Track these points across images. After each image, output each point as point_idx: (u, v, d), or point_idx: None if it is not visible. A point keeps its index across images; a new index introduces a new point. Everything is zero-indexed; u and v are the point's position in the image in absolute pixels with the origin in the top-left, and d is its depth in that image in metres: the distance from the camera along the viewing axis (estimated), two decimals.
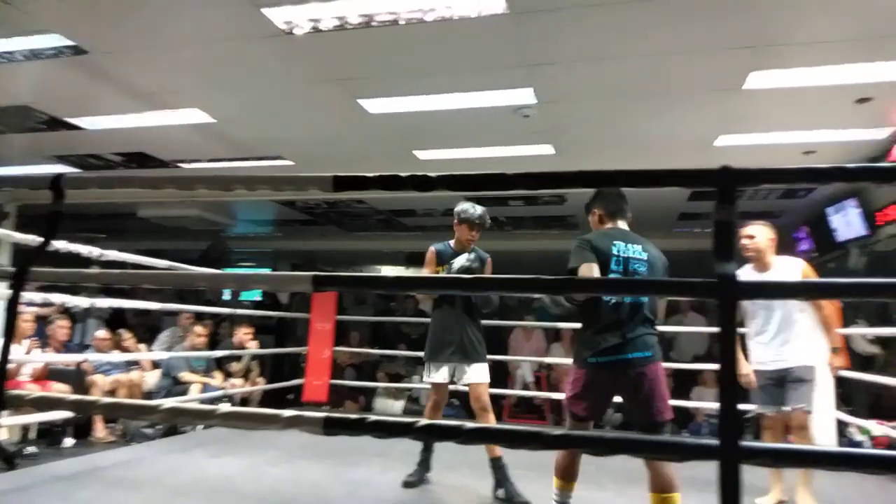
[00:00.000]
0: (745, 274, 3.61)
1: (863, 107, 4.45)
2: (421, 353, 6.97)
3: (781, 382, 3.45)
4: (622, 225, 2.68)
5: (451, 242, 3.69)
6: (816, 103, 4.47)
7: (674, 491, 2.41)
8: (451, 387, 3.66)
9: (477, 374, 3.51)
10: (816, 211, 7.02)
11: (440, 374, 3.55)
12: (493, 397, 7.22)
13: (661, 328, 2.62)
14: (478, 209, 3.57)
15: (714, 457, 1.21)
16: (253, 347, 6.25)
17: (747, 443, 1.21)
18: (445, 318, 3.58)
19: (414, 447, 3.93)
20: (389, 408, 6.53)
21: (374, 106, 4.83)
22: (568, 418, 2.58)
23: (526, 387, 7.12)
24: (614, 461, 3.83)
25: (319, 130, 5.49)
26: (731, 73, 4.04)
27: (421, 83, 4.42)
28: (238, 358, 6.16)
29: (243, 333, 6.20)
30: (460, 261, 3.50)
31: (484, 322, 3.70)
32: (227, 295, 10.99)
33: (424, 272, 3.62)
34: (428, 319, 3.76)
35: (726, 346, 1.28)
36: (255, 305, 10.94)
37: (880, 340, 5.60)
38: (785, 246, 7.38)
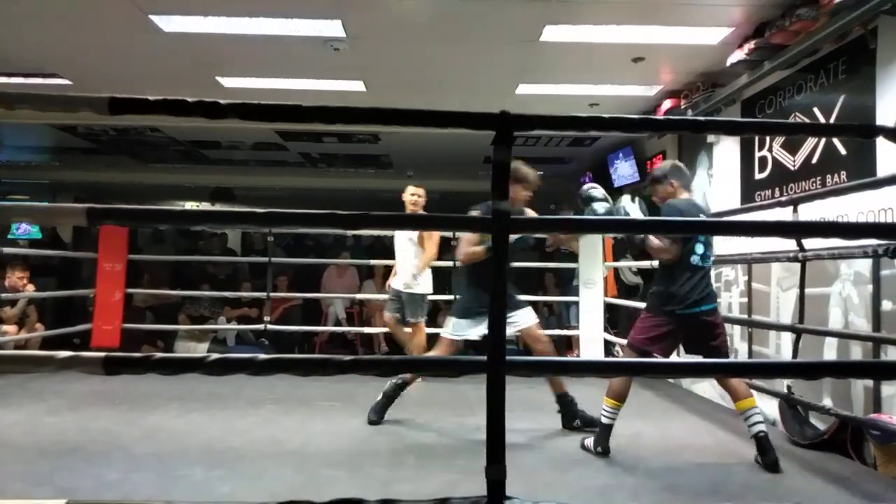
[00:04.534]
0: None
1: (638, 65, 5.00)
2: (228, 294, 6.73)
3: None
4: (688, 195, 3.27)
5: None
6: (601, 59, 4.93)
7: (749, 396, 3.02)
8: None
9: (528, 317, 3.63)
10: (600, 158, 7.83)
11: (475, 332, 3.48)
12: (306, 334, 7.32)
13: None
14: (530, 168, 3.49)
15: (483, 370, 1.38)
16: (29, 291, 5.57)
17: (511, 357, 1.40)
18: (487, 274, 3.44)
19: (217, 388, 3.82)
20: (192, 350, 6.25)
21: (169, 24, 4.39)
22: (630, 352, 3.13)
23: (338, 323, 7.30)
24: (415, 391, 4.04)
25: (104, 47, 4.87)
26: (528, 25, 4.28)
27: (222, 2, 4.10)
28: (11, 303, 5.48)
29: (17, 277, 5.50)
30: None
31: (300, 260, 3.61)
32: None
33: (464, 242, 3.48)
34: (234, 259, 3.63)
35: (498, 276, 1.44)
36: (34, 244, 9.72)
37: (642, 272, 6.51)
38: (574, 190, 8.19)
